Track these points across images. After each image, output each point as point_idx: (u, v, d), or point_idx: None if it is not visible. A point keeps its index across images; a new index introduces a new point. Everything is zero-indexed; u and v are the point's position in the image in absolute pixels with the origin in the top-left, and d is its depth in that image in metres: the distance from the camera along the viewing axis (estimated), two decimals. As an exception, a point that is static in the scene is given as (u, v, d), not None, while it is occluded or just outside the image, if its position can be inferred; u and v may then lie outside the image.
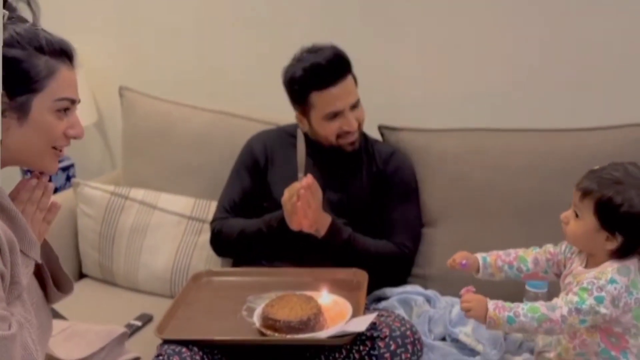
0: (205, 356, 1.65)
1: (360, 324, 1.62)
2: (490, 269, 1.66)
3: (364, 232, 2.00)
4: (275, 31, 2.52)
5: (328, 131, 1.99)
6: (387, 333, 1.66)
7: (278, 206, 1.92)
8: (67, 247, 2.35)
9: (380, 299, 2.00)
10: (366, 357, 1.65)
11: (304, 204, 1.84)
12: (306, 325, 1.62)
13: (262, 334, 1.66)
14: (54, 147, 1.31)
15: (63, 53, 1.30)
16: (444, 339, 1.85)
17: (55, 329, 1.45)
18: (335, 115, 1.97)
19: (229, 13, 2.60)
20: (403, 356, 1.64)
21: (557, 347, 1.60)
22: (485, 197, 2.08)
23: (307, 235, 1.90)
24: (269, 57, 2.54)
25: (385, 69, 2.39)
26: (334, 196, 2.03)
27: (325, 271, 1.90)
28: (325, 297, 1.76)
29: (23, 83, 1.24)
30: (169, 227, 2.27)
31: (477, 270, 1.66)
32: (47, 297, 1.40)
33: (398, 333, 1.66)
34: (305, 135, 1.99)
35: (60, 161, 2.81)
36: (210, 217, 2.18)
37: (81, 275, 2.39)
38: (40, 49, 1.26)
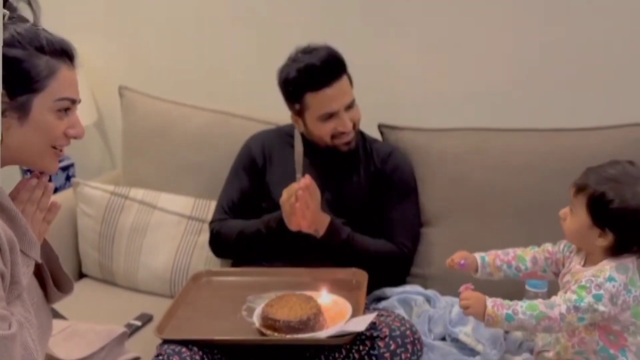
0: (205, 356, 1.65)
1: (360, 323, 1.62)
2: (488, 268, 1.67)
3: (363, 231, 1.99)
4: (275, 31, 2.52)
5: (323, 132, 1.99)
6: (387, 333, 1.66)
7: (277, 206, 1.92)
8: (67, 246, 2.35)
9: (380, 299, 2.00)
10: (366, 357, 1.65)
11: (302, 204, 1.84)
12: (306, 325, 1.62)
13: (262, 334, 1.66)
14: (54, 147, 1.31)
15: (64, 53, 1.30)
16: (443, 339, 1.85)
17: (55, 328, 1.45)
18: (330, 116, 1.96)
19: (229, 13, 2.60)
20: (403, 356, 1.64)
21: (556, 345, 1.61)
22: (485, 196, 2.08)
23: (306, 235, 1.90)
24: (269, 57, 2.52)
25: (385, 69, 2.39)
26: (332, 196, 2.03)
27: (324, 271, 1.89)
28: (325, 297, 1.76)
29: (24, 83, 1.24)
30: (168, 227, 2.27)
31: (476, 270, 1.67)
32: (47, 297, 1.40)
33: (398, 333, 1.66)
34: (302, 135, 1.99)
35: (60, 161, 2.80)
36: (210, 216, 2.18)
37: (81, 275, 2.39)
38: (41, 49, 1.26)
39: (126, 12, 2.75)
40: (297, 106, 1.99)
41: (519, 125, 2.14)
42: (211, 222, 2.12)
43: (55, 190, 1.40)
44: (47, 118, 1.28)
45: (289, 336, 1.62)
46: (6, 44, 1.21)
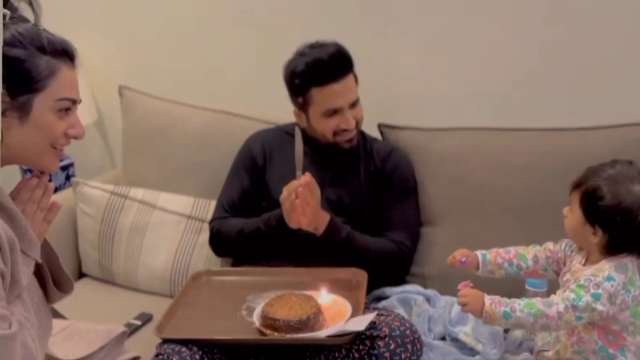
0: (204, 355, 1.65)
1: (360, 323, 1.62)
2: (490, 266, 1.67)
3: (363, 230, 2.00)
4: (275, 31, 2.52)
5: (326, 128, 1.99)
6: (387, 332, 1.66)
7: (277, 205, 1.92)
8: (67, 246, 2.35)
9: (379, 299, 2.00)
10: (366, 357, 1.65)
11: (302, 201, 1.84)
12: (306, 324, 1.62)
13: (262, 334, 1.66)
14: (55, 147, 1.31)
15: (64, 53, 1.30)
16: (443, 338, 1.85)
17: (55, 328, 1.45)
18: (334, 112, 1.97)
19: (229, 12, 2.60)
20: (403, 355, 1.64)
21: (556, 344, 1.61)
22: (485, 196, 2.08)
23: (305, 233, 1.90)
24: (268, 56, 2.54)
25: (385, 68, 2.39)
26: (332, 194, 2.03)
27: (324, 271, 1.89)
28: (325, 297, 1.76)
29: (24, 83, 1.25)
30: (168, 227, 2.27)
31: (477, 268, 1.67)
32: (47, 297, 1.40)
33: (398, 332, 1.66)
34: (304, 132, 1.99)
35: (59, 160, 2.79)
36: (209, 216, 2.18)
37: (81, 275, 2.39)
38: (41, 49, 1.27)
39: (126, 12, 2.75)
40: (301, 100, 1.99)
41: (519, 125, 2.14)
42: (211, 221, 2.12)
43: (55, 190, 1.40)
44: (48, 118, 1.28)
45: (288, 336, 1.62)
46: (7, 43, 1.21)
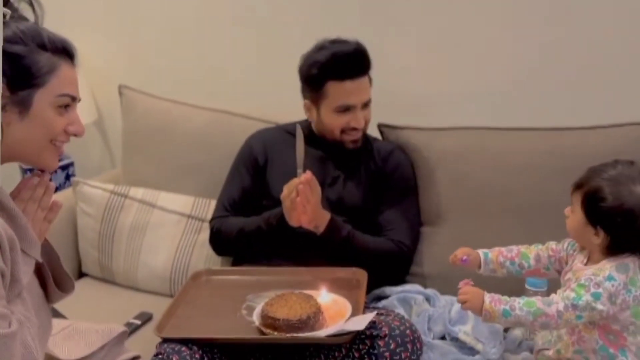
0: (204, 355, 1.65)
1: (360, 322, 1.62)
2: (491, 264, 1.67)
3: (363, 229, 2.00)
4: (275, 31, 2.52)
5: (335, 124, 2.00)
6: (387, 332, 1.66)
7: (277, 204, 1.92)
8: (67, 246, 2.35)
9: (379, 298, 2.00)
10: (365, 356, 1.65)
11: (303, 199, 1.84)
12: (305, 324, 1.62)
13: (262, 333, 1.66)
14: (54, 144, 1.32)
15: (64, 51, 1.31)
16: (443, 338, 1.85)
17: (55, 328, 1.45)
18: (346, 109, 1.98)
19: (229, 12, 2.60)
20: (402, 355, 1.64)
21: (558, 343, 1.61)
22: (485, 196, 2.08)
23: (306, 232, 1.90)
24: (269, 56, 2.54)
25: (385, 68, 2.36)
26: (333, 194, 2.03)
27: (324, 270, 1.89)
28: (325, 296, 1.76)
29: (25, 78, 1.25)
30: (168, 226, 2.27)
31: (479, 266, 1.68)
32: (48, 297, 1.40)
33: (397, 332, 1.66)
34: (308, 129, 1.99)
35: (59, 160, 2.80)
36: (209, 215, 2.18)
37: (81, 274, 2.40)
38: (42, 46, 1.28)
39: (126, 12, 2.75)
40: (315, 93, 2.00)
41: (519, 125, 2.13)
42: (211, 220, 2.12)
43: (55, 190, 1.40)
44: (48, 113, 1.28)
45: (288, 335, 1.62)
46: (8, 40, 1.22)
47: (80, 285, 2.23)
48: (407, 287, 2.01)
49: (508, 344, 1.81)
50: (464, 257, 1.67)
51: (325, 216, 1.92)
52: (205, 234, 2.16)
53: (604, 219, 1.49)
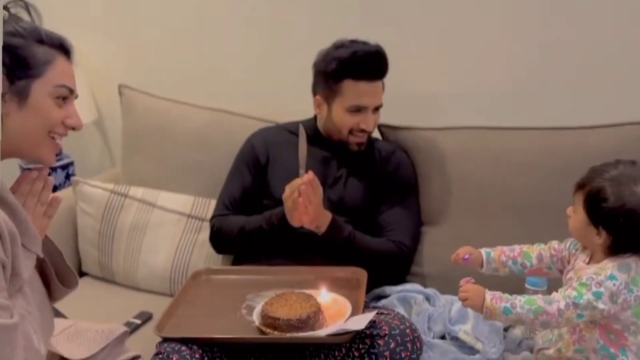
0: (204, 354, 1.64)
1: (360, 322, 1.61)
2: (494, 264, 1.67)
3: (363, 230, 2.00)
4: (275, 31, 2.52)
5: (344, 123, 2.00)
6: (387, 331, 1.65)
7: (278, 204, 1.92)
8: (67, 245, 2.35)
9: (379, 297, 2.00)
10: (365, 356, 1.65)
11: (304, 199, 1.84)
12: (305, 323, 1.62)
13: (262, 332, 1.66)
14: (52, 137, 1.32)
15: (61, 47, 1.34)
16: (443, 337, 1.85)
17: (57, 328, 1.45)
18: (358, 109, 1.98)
19: (229, 12, 2.60)
20: (402, 354, 1.64)
21: (559, 342, 1.61)
22: (485, 195, 2.08)
23: (307, 232, 1.90)
24: (269, 56, 2.54)
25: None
26: (334, 194, 2.03)
27: (324, 269, 1.89)
28: (325, 296, 1.76)
29: (22, 68, 1.27)
30: (168, 225, 2.27)
31: (481, 265, 1.68)
32: (52, 294, 1.40)
33: (397, 331, 1.66)
34: (311, 129, 1.98)
35: (59, 159, 2.79)
36: (209, 215, 2.18)
37: (81, 274, 2.39)
38: (39, 40, 1.30)
39: (126, 11, 2.75)
40: (330, 89, 1.99)
41: (520, 124, 2.13)
42: (212, 218, 2.12)
43: (55, 189, 1.41)
44: (46, 103, 1.30)
45: (288, 334, 1.62)
46: (6, 33, 1.25)
47: (80, 284, 2.20)
48: (407, 286, 2.01)
49: (508, 343, 1.81)
50: (466, 256, 1.67)
51: (326, 217, 1.92)
52: (205, 234, 2.16)
53: (606, 220, 1.49)
